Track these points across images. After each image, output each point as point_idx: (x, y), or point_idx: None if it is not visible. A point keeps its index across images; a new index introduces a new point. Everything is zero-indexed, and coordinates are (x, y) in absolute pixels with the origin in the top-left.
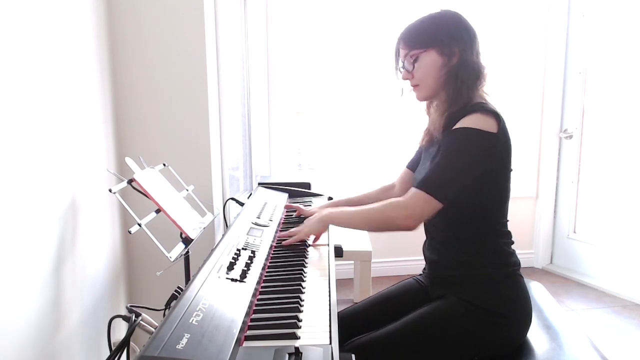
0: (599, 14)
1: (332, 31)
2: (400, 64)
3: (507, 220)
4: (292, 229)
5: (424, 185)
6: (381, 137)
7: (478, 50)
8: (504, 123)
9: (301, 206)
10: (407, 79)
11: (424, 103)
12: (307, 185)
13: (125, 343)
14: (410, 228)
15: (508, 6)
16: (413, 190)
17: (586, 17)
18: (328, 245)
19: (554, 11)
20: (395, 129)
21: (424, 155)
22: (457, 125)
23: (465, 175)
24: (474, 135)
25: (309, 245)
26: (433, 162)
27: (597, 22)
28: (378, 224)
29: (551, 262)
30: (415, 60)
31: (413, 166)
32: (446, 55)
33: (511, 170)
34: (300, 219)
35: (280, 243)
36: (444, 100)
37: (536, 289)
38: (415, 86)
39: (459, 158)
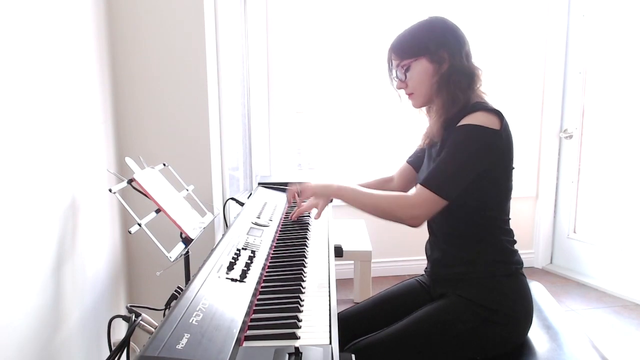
0: (599, 14)
1: (332, 31)
2: (394, 74)
3: (509, 218)
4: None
5: (429, 183)
6: (381, 136)
7: (468, 52)
8: (506, 121)
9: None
10: (401, 88)
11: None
12: None
13: (125, 343)
14: (414, 226)
15: (508, 6)
16: (419, 188)
17: (586, 17)
18: (328, 245)
19: (554, 11)
20: (395, 129)
21: (427, 155)
22: (460, 123)
23: (468, 171)
24: (475, 132)
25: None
26: (436, 159)
27: (597, 22)
28: (382, 214)
29: (551, 262)
30: (407, 70)
31: (413, 162)
32: (436, 62)
33: (513, 168)
34: (298, 221)
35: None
36: (440, 106)
37: (536, 289)
38: (410, 94)
39: (462, 154)
